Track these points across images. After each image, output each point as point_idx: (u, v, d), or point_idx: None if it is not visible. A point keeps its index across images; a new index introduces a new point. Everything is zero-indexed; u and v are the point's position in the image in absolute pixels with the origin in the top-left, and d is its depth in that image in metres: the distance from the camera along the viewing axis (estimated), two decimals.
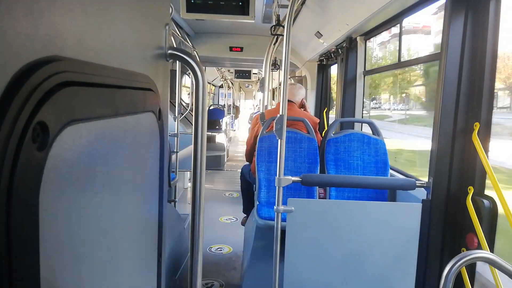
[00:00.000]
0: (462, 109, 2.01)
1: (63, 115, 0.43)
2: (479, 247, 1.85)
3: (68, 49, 0.45)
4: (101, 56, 0.54)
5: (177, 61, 0.93)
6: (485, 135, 1.95)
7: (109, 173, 0.58)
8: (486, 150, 1.93)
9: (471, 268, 1.93)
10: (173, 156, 3.89)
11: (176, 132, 3.95)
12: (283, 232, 2.09)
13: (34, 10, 0.39)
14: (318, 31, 4.23)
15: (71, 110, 0.44)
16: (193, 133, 0.88)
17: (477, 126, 1.94)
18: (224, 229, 4.45)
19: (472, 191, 1.95)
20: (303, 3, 3.54)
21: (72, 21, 0.47)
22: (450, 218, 2.07)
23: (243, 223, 4.05)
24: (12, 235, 0.35)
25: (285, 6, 3.28)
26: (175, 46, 3.42)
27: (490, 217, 1.89)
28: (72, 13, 0.47)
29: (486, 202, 1.90)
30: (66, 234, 0.46)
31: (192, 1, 2.85)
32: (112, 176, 0.60)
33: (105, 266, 0.59)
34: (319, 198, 3.05)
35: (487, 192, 1.97)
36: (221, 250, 3.86)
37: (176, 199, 4.23)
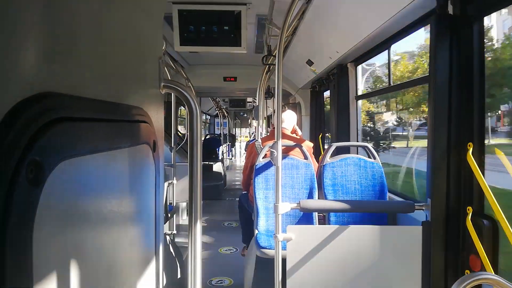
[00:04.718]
0: (454, 130, 2.02)
1: (57, 151, 0.43)
2: (482, 268, 1.82)
3: (61, 85, 0.46)
4: (94, 91, 0.55)
5: (172, 93, 0.94)
6: (480, 155, 1.96)
7: (105, 207, 0.58)
8: (482, 170, 1.94)
9: None
10: (171, 187, 3.86)
11: (172, 162, 3.93)
12: (284, 260, 2.05)
13: (26, 47, 0.40)
14: (309, 59, 4.33)
15: (65, 145, 0.45)
16: (188, 163, 0.88)
17: (470, 146, 1.95)
18: (224, 261, 4.35)
19: (471, 211, 1.94)
20: (293, 33, 3.64)
21: (65, 57, 0.48)
22: (451, 239, 2.04)
23: (243, 254, 3.97)
24: (6, 272, 0.35)
25: (276, 37, 3.37)
26: (169, 78, 3.46)
27: (491, 237, 1.86)
28: (65, 50, 0.48)
29: (486, 222, 1.88)
30: (60, 271, 0.45)
31: (185, 34, 2.92)
32: (108, 210, 0.59)
33: None
34: (319, 223, 3.02)
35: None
36: (222, 282, 3.76)
37: (174, 231, 4.16)
